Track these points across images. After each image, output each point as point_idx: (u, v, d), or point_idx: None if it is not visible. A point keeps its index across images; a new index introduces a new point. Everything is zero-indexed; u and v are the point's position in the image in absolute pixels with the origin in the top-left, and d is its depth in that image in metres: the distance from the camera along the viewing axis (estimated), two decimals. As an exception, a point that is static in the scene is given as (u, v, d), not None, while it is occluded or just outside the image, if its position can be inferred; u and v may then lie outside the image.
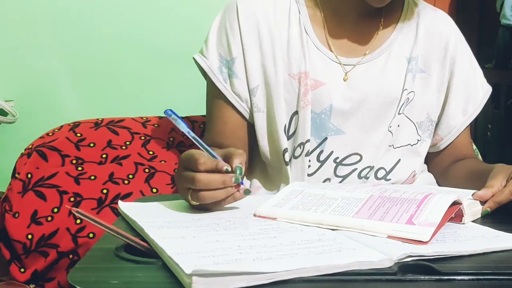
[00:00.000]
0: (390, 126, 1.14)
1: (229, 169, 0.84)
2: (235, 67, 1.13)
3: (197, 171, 0.83)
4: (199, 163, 0.83)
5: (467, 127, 1.23)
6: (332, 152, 1.12)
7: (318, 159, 1.12)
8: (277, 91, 1.12)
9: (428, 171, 1.26)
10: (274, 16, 1.14)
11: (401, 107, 1.15)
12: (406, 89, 1.15)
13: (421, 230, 0.74)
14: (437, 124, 1.22)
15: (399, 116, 1.15)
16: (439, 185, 1.22)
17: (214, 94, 1.17)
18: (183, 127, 0.84)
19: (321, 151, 1.12)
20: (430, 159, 1.26)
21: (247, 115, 1.16)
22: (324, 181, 1.12)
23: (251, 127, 1.17)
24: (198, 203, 0.85)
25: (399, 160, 1.16)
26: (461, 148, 1.24)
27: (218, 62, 1.15)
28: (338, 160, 1.12)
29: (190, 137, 0.86)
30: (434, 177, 1.25)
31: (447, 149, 1.24)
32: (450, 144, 1.23)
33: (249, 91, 1.14)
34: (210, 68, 1.15)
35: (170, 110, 0.86)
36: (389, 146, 1.15)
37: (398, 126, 1.16)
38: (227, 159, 0.87)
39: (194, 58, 1.19)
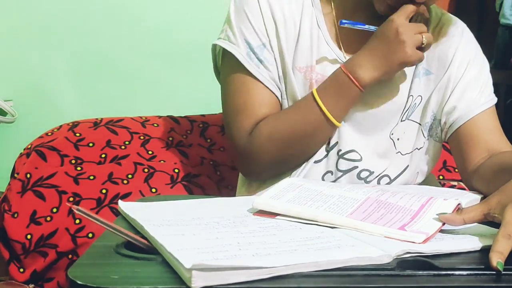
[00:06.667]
0: (392, 134, 1.14)
1: None
2: (264, 54, 1.11)
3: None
4: None
5: (479, 113, 1.16)
6: (337, 143, 1.12)
7: (326, 148, 1.12)
8: (292, 82, 1.11)
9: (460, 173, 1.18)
10: (289, 4, 1.12)
11: (405, 114, 1.14)
12: (411, 95, 1.14)
13: (413, 235, 0.74)
14: (439, 120, 1.17)
15: (402, 123, 1.14)
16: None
17: (243, 81, 1.12)
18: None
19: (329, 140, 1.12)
20: (460, 157, 1.16)
21: (281, 100, 1.14)
22: (326, 174, 1.13)
23: None
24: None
25: (407, 166, 1.16)
26: (481, 136, 1.14)
27: (246, 48, 1.12)
28: (340, 153, 1.12)
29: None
30: (465, 180, 1.15)
31: (464, 136, 1.14)
32: (464, 127, 1.14)
33: (278, 78, 1.12)
34: (241, 54, 1.11)
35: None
36: (396, 153, 1.14)
37: (404, 133, 1.15)
38: None
39: (216, 45, 1.14)
